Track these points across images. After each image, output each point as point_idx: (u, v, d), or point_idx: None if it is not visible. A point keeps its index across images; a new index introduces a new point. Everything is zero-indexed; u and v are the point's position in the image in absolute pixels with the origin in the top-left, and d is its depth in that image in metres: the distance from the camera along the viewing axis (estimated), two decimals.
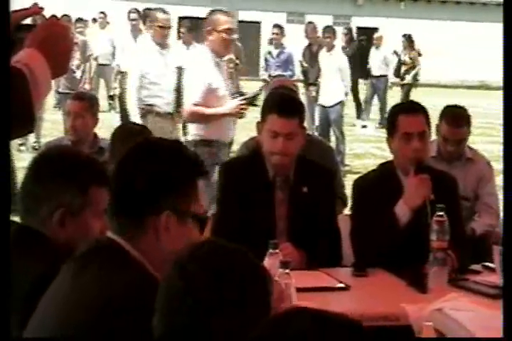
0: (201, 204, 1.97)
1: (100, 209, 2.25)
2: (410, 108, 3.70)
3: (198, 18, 12.39)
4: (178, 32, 11.50)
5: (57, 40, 1.81)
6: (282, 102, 3.58)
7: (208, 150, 5.15)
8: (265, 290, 1.54)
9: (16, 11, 1.85)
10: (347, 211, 4.40)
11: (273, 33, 12.04)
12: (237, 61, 11.04)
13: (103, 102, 14.54)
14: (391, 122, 3.68)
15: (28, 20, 1.89)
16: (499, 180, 5.04)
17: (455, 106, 4.62)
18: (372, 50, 15.45)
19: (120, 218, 1.91)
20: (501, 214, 4.50)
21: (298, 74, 11.97)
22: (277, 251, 2.47)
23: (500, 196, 2.28)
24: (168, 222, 1.90)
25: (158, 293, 1.52)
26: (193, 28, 11.32)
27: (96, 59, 13.04)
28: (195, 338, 1.45)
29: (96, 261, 1.86)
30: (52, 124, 11.63)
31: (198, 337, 1.45)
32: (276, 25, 12.28)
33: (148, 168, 1.90)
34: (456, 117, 4.44)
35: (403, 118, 3.62)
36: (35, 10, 1.88)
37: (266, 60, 11.95)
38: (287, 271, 2.24)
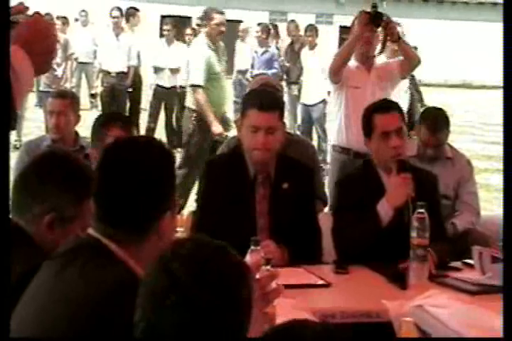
0: None
1: (88, 222, 2.25)
2: (384, 106, 3.74)
3: (180, 17, 12.38)
4: (161, 30, 11.50)
5: (40, 37, 1.80)
6: (262, 97, 3.60)
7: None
8: (247, 287, 1.54)
9: None
10: (327, 210, 4.42)
11: (257, 32, 12.03)
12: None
13: (84, 100, 14.54)
14: (367, 122, 3.71)
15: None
16: (480, 178, 5.08)
17: (434, 109, 4.63)
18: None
19: (118, 225, 1.89)
20: (481, 212, 4.54)
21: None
22: (259, 248, 2.47)
23: (501, 196, 2.30)
24: (167, 220, 1.92)
25: (140, 290, 1.52)
26: (176, 27, 11.35)
27: (76, 58, 12.99)
28: (177, 335, 1.45)
29: (79, 259, 1.86)
30: (34, 123, 11.58)
31: (181, 333, 1.45)
32: (260, 25, 12.27)
33: (148, 172, 1.90)
34: (436, 123, 4.43)
35: (379, 118, 3.64)
36: (20, 8, 1.87)
37: (253, 58, 11.95)
38: (269, 267, 2.25)
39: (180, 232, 3.45)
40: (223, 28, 6.81)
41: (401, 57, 5.29)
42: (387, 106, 3.74)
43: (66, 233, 2.26)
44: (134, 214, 1.88)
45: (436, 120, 4.45)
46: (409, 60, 5.21)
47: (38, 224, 2.27)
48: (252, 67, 11.87)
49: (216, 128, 6.47)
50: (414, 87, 8.07)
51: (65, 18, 14.14)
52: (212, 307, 1.46)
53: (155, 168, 1.91)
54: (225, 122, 6.68)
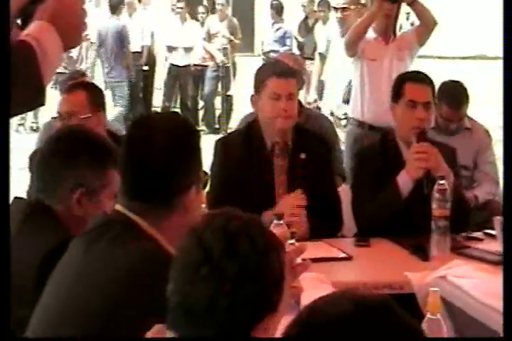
0: None
1: (113, 191, 2.28)
2: (418, 77, 3.71)
3: None
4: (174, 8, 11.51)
5: (69, 11, 1.79)
6: (278, 65, 3.65)
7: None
8: (279, 259, 1.54)
9: None
10: (345, 185, 4.40)
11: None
12: (232, 37, 11.01)
13: (99, 81, 14.52)
14: (397, 89, 3.67)
15: None
16: (498, 149, 5.05)
17: (452, 82, 4.57)
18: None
19: (144, 200, 1.91)
20: (501, 181, 4.53)
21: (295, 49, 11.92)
22: (281, 222, 2.48)
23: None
24: (192, 195, 1.94)
25: (174, 263, 1.52)
26: (190, 5, 11.36)
27: (90, 39, 12.97)
28: (209, 307, 1.46)
29: (107, 235, 1.88)
30: (48, 103, 11.58)
31: (213, 306, 1.46)
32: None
33: (174, 146, 1.91)
34: (457, 99, 4.42)
35: (410, 86, 3.62)
36: None
37: (266, 34, 11.92)
38: (293, 241, 2.26)
39: (204, 209, 3.44)
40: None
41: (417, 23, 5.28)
42: (422, 77, 3.70)
43: (94, 206, 2.29)
44: (160, 188, 1.90)
45: (457, 95, 4.42)
46: (425, 23, 5.19)
47: (67, 200, 2.29)
48: (262, 43, 11.86)
49: None
50: None
51: None
52: (244, 279, 1.46)
53: (180, 142, 1.93)
54: None
